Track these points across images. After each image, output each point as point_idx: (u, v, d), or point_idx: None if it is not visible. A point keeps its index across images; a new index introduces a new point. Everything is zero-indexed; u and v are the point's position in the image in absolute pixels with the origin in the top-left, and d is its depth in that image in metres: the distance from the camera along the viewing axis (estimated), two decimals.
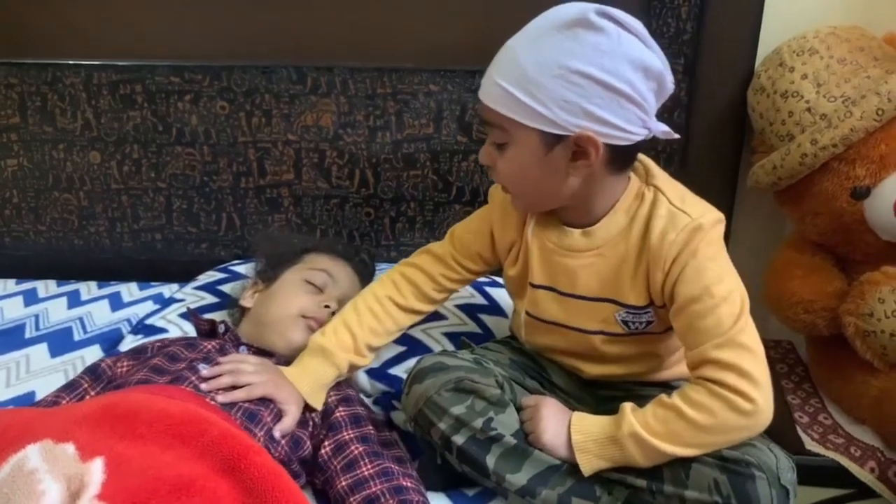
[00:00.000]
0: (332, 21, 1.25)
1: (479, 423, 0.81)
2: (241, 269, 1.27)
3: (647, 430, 0.75)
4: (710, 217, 0.80)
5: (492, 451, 0.80)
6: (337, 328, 0.93)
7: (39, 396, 0.97)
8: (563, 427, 0.80)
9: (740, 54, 1.23)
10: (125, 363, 0.94)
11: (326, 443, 0.85)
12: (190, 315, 1.10)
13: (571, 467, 0.80)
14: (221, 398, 0.82)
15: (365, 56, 1.26)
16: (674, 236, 0.78)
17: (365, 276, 1.13)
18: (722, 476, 0.74)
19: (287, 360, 0.95)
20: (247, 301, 1.08)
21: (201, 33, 1.28)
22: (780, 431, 1.10)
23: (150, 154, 1.33)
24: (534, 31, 0.77)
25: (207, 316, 1.10)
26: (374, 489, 0.78)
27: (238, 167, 1.33)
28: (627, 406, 0.79)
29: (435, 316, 1.11)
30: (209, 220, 1.37)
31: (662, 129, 0.79)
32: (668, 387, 0.93)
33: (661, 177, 0.84)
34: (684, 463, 0.76)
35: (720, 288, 0.77)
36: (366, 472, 0.80)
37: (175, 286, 1.27)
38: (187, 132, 1.31)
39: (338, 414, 0.88)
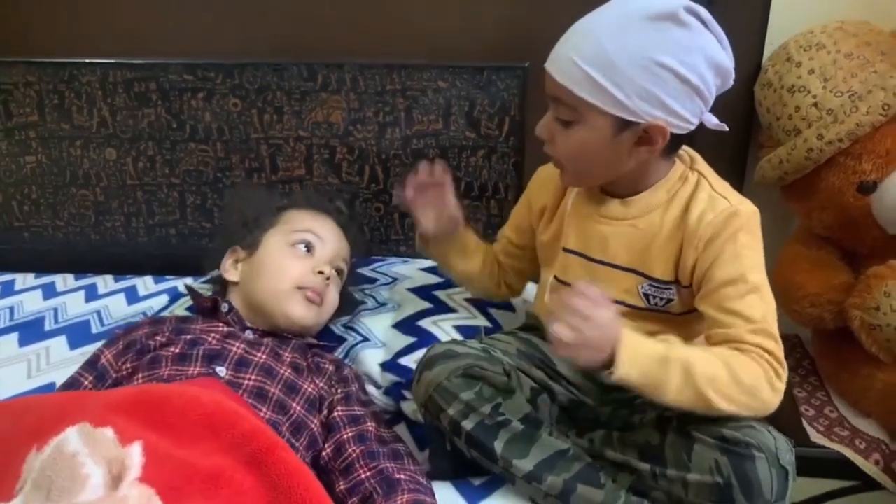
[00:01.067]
0: (341, 19, 1.27)
1: (487, 408, 0.83)
2: None
3: (696, 363, 0.76)
4: (747, 206, 0.84)
5: (499, 437, 0.83)
6: None
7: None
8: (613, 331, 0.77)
9: (748, 49, 1.23)
10: (128, 364, 0.91)
11: (326, 445, 0.87)
12: (189, 291, 1.09)
13: (577, 452, 0.82)
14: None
15: (374, 53, 1.27)
16: (711, 217, 0.82)
17: (347, 227, 1.11)
18: (723, 457, 0.76)
19: (293, 333, 0.97)
20: (231, 274, 1.03)
21: (214, 32, 1.30)
22: (786, 423, 1.11)
23: (164, 150, 1.35)
24: (620, 18, 0.78)
25: None
26: (368, 488, 0.81)
27: (250, 163, 1.36)
28: (677, 339, 0.81)
29: (445, 309, 1.13)
30: (222, 216, 1.39)
31: (715, 122, 0.84)
32: None
33: (705, 166, 0.90)
34: (687, 445, 0.78)
35: (755, 277, 0.81)
36: (362, 475, 0.82)
37: (189, 280, 1.30)
38: (201, 129, 1.34)
39: (336, 414, 0.90)
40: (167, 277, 1.36)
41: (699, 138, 1.28)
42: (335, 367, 0.99)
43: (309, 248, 1.01)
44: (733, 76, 0.82)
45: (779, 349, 0.80)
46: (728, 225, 0.82)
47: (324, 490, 0.67)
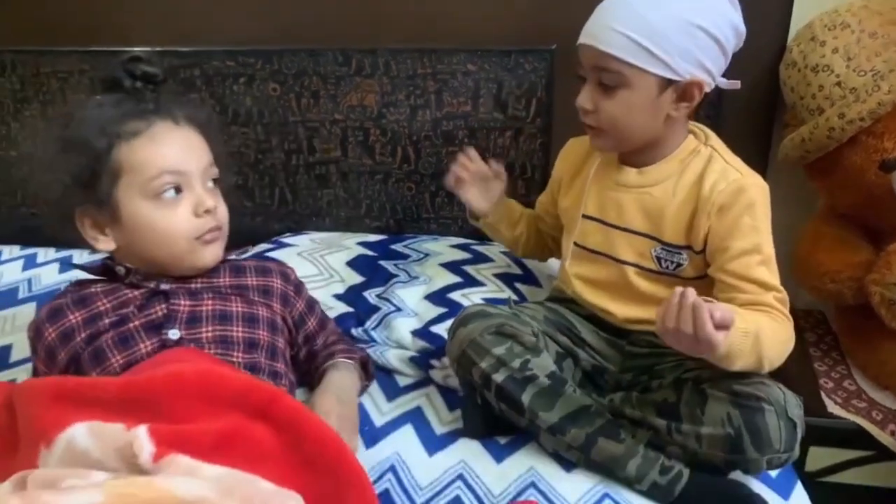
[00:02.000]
0: (374, 5, 1.32)
1: (517, 363, 0.90)
2: (291, 240, 1.37)
3: (762, 333, 0.81)
4: (758, 180, 0.92)
5: (527, 390, 0.89)
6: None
7: None
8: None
9: (773, 30, 1.25)
10: (70, 370, 0.86)
11: (300, 350, 1.02)
12: (78, 267, 0.96)
13: (599, 408, 0.89)
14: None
15: (406, 38, 1.32)
16: (724, 186, 0.89)
17: (187, 120, 0.91)
18: (734, 410, 0.81)
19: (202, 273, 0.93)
20: (102, 243, 0.90)
21: (254, 20, 1.36)
22: (805, 395, 1.14)
23: None
24: None
25: None
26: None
27: (289, 145, 1.42)
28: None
29: (474, 282, 1.19)
30: (263, 195, 1.47)
31: (726, 83, 0.92)
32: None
33: (719, 142, 0.97)
34: (701, 401, 0.84)
35: (768, 248, 0.89)
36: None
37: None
38: (242, 112, 1.41)
39: (309, 324, 1.03)
40: None
41: (727, 117, 1.32)
42: (281, 278, 1.00)
43: (177, 188, 0.87)
44: (744, 37, 0.91)
45: (787, 308, 0.88)
46: (740, 195, 0.89)
47: (323, 421, 0.72)
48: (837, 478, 1.15)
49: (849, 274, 1.17)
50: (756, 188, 0.90)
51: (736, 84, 0.93)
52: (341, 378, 0.98)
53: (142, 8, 1.39)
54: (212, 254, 0.91)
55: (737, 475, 0.86)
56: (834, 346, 1.31)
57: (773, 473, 0.89)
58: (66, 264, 1.44)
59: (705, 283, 0.93)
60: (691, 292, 0.75)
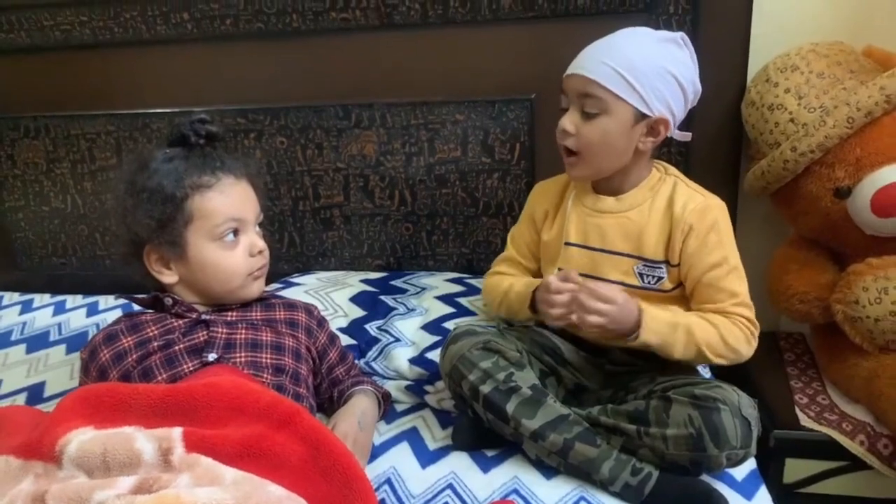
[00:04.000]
0: (370, 64, 1.45)
1: (501, 375, 0.99)
2: (299, 279, 1.48)
3: (695, 328, 0.99)
4: (718, 201, 1.06)
5: (511, 400, 0.98)
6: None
7: None
8: (632, 306, 0.99)
9: (734, 73, 1.36)
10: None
11: (322, 380, 1.12)
12: (130, 299, 1.09)
13: (577, 418, 0.97)
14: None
15: (399, 93, 1.45)
16: (692, 206, 1.03)
17: (242, 172, 1.06)
18: (694, 412, 0.90)
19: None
20: (166, 276, 1.03)
21: (261, 81, 1.50)
22: (780, 410, 1.23)
23: None
24: (636, 37, 1.01)
25: None
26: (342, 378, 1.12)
27: (296, 192, 1.55)
28: (678, 308, 1.04)
29: (467, 312, 1.29)
30: (273, 239, 1.58)
31: (680, 133, 1.07)
32: (662, 363, 1.08)
33: (678, 172, 1.11)
34: (666, 406, 0.93)
35: (733, 259, 1.03)
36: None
37: None
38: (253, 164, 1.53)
39: (331, 355, 1.13)
40: None
41: (695, 155, 1.42)
42: (305, 313, 1.12)
43: (236, 232, 1.02)
44: (699, 95, 1.06)
45: (753, 314, 1.03)
46: (707, 213, 1.03)
47: (339, 439, 0.79)
48: (815, 488, 1.21)
49: (815, 294, 1.26)
50: (718, 208, 1.05)
51: (687, 136, 1.08)
52: (366, 405, 1.07)
53: (158, 74, 1.54)
54: (258, 287, 1.07)
55: (704, 478, 0.94)
56: (811, 365, 1.38)
57: (739, 476, 0.96)
58: (93, 309, 1.56)
59: (682, 295, 1.06)
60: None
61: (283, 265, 1.59)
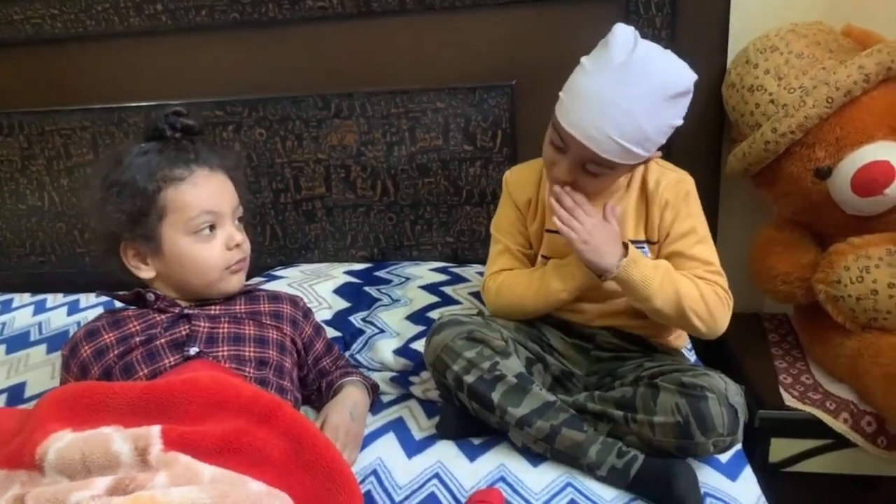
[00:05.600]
0: (348, 53, 1.43)
1: (486, 365, 0.98)
2: (282, 272, 1.47)
3: (677, 277, 1.00)
4: (686, 175, 1.09)
5: (496, 389, 0.97)
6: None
7: None
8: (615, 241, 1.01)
9: (714, 55, 1.35)
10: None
11: (308, 369, 1.12)
12: (111, 295, 1.08)
13: (563, 405, 0.97)
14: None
15: (379, 81, 1.43)
16: (665, 182, 1.06)
17: (220, 165, 1.06)
18: (682, 399, 0.90)
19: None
20: (143, 271, 1.03)
21: (239, 73, 1.48)
22: (764, 390, 1.23)
23: None
24: (651, 98, 0.92)
25: None
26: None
27: (277, 185, 1.53)
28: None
29: (452, 301, 1.28)
30: (255, 232, 1.56)
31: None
32: (649, 349, 1.09)
33: None
34: (654, 394, 0.93)
35: (703, 230, 1.06)
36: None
37: None
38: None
39: (317, 346, 1.13)
40: None
41: (677, 138, 1.41)
42: (290, 304, 1.11)
43: (212, 226, 1.01)
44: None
45: (726, 284, 1.03)
46: (680, 186, 1.06)
47: (322, 433, 0.79)
48: (800, 467, 1.22)
49: (798, 275, 1.26)
50: (687, 181, 1.08)
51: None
52: (357, 396, 1.07)
53: (135, 67, 1.51)
54: (237, 281, 1.06)
55: (690, 461, 0.94)
56: (795, 345, 1.39)
57: (724, 458, 0.97)
58: (74, 308, 1.54)
59: None
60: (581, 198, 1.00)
61: (266, 259, 1.58)
